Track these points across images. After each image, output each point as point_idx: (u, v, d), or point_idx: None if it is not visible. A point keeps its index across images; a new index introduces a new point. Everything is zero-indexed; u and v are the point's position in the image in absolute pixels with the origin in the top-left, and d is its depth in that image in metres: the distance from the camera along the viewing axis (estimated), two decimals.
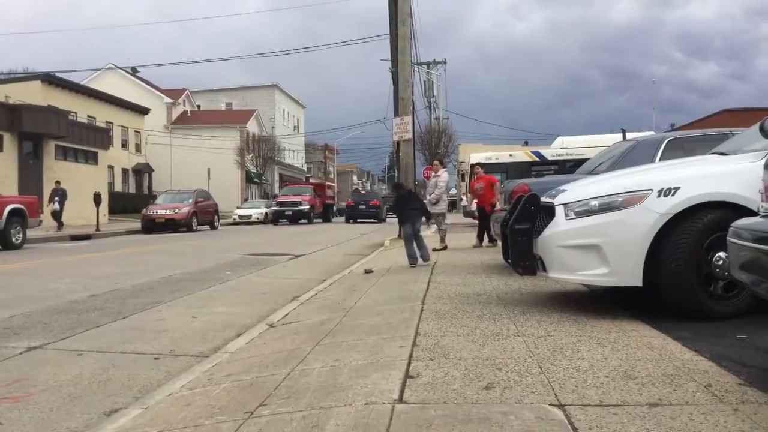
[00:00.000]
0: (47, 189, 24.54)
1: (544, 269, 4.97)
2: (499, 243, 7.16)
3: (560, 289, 6.02)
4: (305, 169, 71.27)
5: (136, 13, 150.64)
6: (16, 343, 5.07)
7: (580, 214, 4.68)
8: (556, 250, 4.77)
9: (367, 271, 9.02)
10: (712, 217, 4.30)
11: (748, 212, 3.91)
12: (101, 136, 33.21)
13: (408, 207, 9.24)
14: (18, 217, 15.70)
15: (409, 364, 3.46)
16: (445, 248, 11.29)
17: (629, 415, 2.57)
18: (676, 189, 4.36)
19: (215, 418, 2.96)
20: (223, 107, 60.10)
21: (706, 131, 8.23)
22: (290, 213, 32.45)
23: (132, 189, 42.52)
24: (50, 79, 32.65)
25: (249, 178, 51.84)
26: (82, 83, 39.09)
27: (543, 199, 5.25)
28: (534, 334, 4.08)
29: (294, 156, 66.45)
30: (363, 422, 2.60)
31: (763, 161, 3.43)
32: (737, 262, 3.26)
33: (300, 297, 7.22)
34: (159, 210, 24.78)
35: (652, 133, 17.48)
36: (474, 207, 13.00)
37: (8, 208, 15.33)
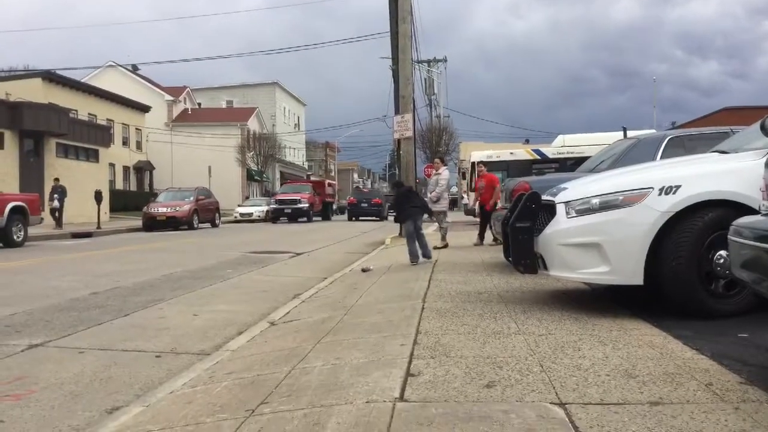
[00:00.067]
0: (48, 187, 24.55)
1: (545, 267, 4.97)
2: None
3: (561, 287, 6.02)
4: (306, 166, 71.24)
5: (136, 11, 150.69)
6: (18, 341, 5.08)
7: (581, 213, 4.68)
8: (557, 248, 4.77)
9: (364, 270, 8.98)
10: (713, 216, 4.30)
11: (749, 210, 3.91)
12: (102, 134, 33.20)
13: (409, 205, 9.24)
14: (19, 214, 15.71)
15: (410, 362, 3.46)
16: (446, 246, 11.29)
17: (630, 413, 2.57)
18: (677, 187, 4.36)
19: (216, 416, 2.96)
20: (223, 105, 60.06)
21: (707, 129, 8.22)
22: (289, 211, 32.24)
23: (133, 187, 42.53)
24: (51, 77, 32.64)
25: (250, 176, 51.83)
26: (82, 81, 39.05)
27: (544, 197, 5.25)
28: (535, 333, 4.09)
29: (295, 154, 66.43)
30: (364, 420, 2.61)
31: (764, 159, 3.42)
32: (738, 260, 3.26)
33: (301, 295, 7.22)
34: (160, 208, 24.80)
35: (653, 131, 17.46)
36: (477, 205, 13.01)
37: (9, 205, 15.34)
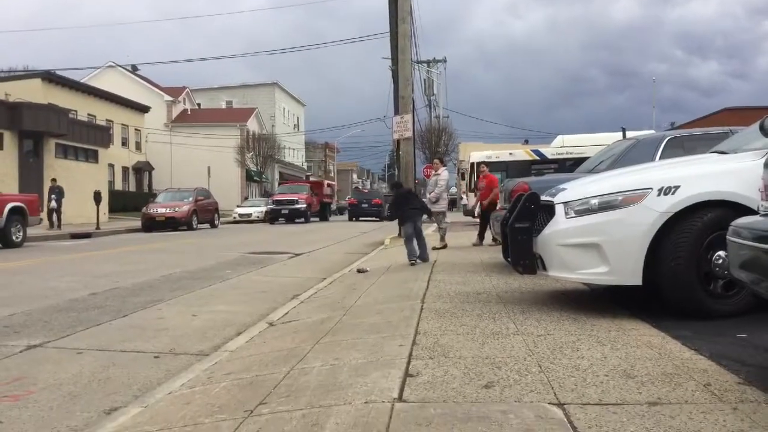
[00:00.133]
0: (48, 187, 24.56)
1: (544, 268, 4.97)
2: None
3: (560, 287, 6.02)
4: (305, 167, 71.25)
5: (137, 11, 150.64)
6: (16, 342, 5.08)
7: (580, 213, 4.68)
8: (556, 248, 4.77)
9: (360, 271, 8.92)
10: (711, 216, 4.30)
11: (748, 211, 3.91)
12: (101, 135, 33.20)
13: (408, 207, 9.25)
14: (18, 215, 15.71)
15: (408, 362, 3.46)
16: (445, 247, 11.29)
17: (628, 413, 2.57)
18: (676, 188, 4.36)
19: (215, 417, 2.96)
20: (223, 105, 60.07)
21: (707, 130, 8.22)
22: (287, 212, 32.06)
23: (132, 187, 42.53)
24: (50, 77, 32.65)
25: (249, 177, 51.84)
26: (82, 81, 39.07)
27: (543, 197, 5.25)
28: (534, 333, 4.08)
29: (294, 154, 66.44)
30: (363, 421, 2.61)
31: (763, 160, 3.42)
32: (737, 260, 3.26)
33: (300, 295, 7.22)
34: (159, 208, 24.80)
35: (652, 131, 17.48)
36: (478, 206, 13.02)
37: (9, 206, 15.34)
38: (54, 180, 23.95)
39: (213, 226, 27.42)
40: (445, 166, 12.62)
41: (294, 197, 32.62)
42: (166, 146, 47.52)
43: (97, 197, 23.03)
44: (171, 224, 24.11)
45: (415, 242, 9.02)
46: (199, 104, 58.23)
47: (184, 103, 54.55)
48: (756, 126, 4.13)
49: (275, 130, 57.42)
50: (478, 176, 14.29)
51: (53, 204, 22.79)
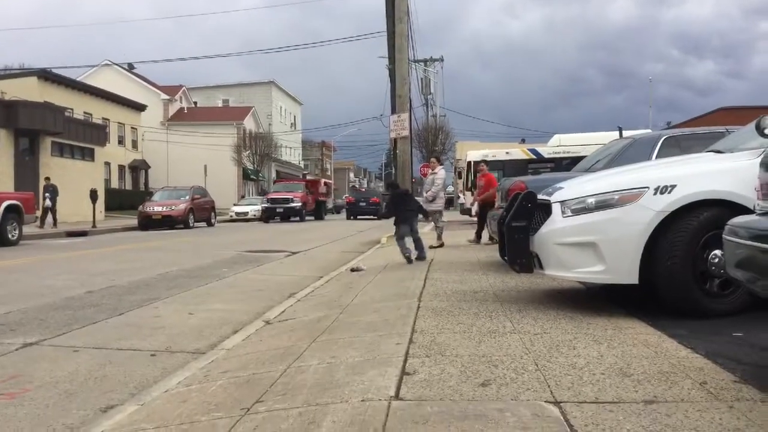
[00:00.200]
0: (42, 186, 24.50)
1: (541, 267, 4.98)
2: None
3: (557, 286, 6.03)
4: (302, 166, 71.20)
5: (133, 10, 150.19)
6: (12, 339, 5.07)
7: (576, 212, 4.69)
8: (552, 247, 4.78)
9: (354, 270, 8.83)
10: (708, 215, 4.31)
11: (744, 210, 3.92)
12: (98, 133, 33.13)
13: (405, 208, 9.26)
14: (14, 213, 15.68)
15: (405, 361, 3.46)
16: (441, 245, 11.30)
17: (625, 412, 2.58)
18: (673, 187, 4.37)
19: (211, 415, 2.96)
20: (219, 104, 59.98)
21: (703, 129, 8.25)
22: (281, 210, 31.86)
23: (128, 186, 42.45)
24: (46, 75, 32.55)
25: (246, 175, 51.78)
26: (78, 79, 38.95)
27: (540, 196, 5.26)
28: (530, 332, 4.09)
29: (291, 153, 66.39)
30: (359, 419, 2.61)
31: (759, 159, 3.43)
32: (733, 259, 3.27)
33: (296, 294, 7.21)
34: (156, 207, 24.78)
35: (649, 131, 17.50)
36: (475, 204, 13.02)
37: (4, 204, 15.31)
38: (48, 179, 23.87)
39: (209, 224, 27.38)
40: (441, 165, 12.61)
41: (289, 195, 32.44)
42: (163, 145, 47.43)
43: (94, 195, 22.99)
44: (168, 222, 24.07)
45: (408, 240, 9.03)
46: (195, 103, 58.13)
47: (181, 102, 54.45)
48: (752, 125, 4.15)
49: (272, 128, 57.36)
50: (476, 175, 14.27)
51: (48, 203, 22.73)
